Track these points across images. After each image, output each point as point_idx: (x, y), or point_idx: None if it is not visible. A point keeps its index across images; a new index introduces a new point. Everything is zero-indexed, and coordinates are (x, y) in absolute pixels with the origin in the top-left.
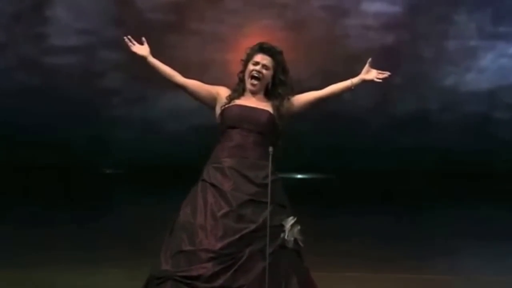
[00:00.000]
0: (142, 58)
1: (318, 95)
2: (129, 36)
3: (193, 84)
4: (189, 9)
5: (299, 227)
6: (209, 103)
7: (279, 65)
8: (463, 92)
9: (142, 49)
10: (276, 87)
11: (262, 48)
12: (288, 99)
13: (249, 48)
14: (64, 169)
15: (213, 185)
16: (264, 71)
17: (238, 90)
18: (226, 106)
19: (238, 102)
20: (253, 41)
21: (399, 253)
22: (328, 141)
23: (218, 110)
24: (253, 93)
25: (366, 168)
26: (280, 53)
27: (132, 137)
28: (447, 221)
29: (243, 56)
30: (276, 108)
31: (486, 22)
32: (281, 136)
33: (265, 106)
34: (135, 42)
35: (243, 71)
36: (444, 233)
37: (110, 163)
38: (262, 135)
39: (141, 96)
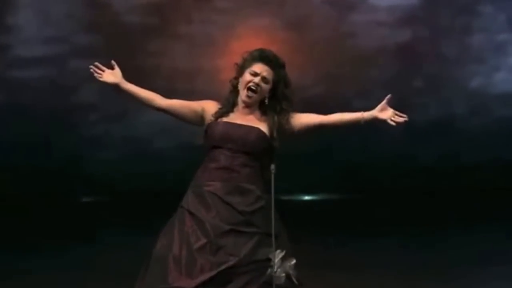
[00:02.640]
0: (115, 86)
1: (322, 121)
2: (95, 63)
3: (175, 105)
4: (173, 10)
5: (293, 261)
6: (196, 122)
7: (281, 80)
8: (493, 95)
9: (112, 76)
10: (278, 101)
11: (263, 57)
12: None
13: (247, 52)
14: (33, 199)
15: (191, 212)
16: (262, 84)
17: (227, 105)
18: (211, 122)
19: (225, 119)
20: (247, 43)
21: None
22: (337, 156)
23: (205, 127)
24: (247, 106)
25: (382, 185)
26: (283, 66)
27: (113, 158)
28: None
29: (239, 60)
30: (277, 124)
31: None
32: (274, 155)
33: (257, 122)
34: (104, 69)
35: (237, 78)
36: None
37: (88, 190)
38: (250, 155)
39: (121, 110)
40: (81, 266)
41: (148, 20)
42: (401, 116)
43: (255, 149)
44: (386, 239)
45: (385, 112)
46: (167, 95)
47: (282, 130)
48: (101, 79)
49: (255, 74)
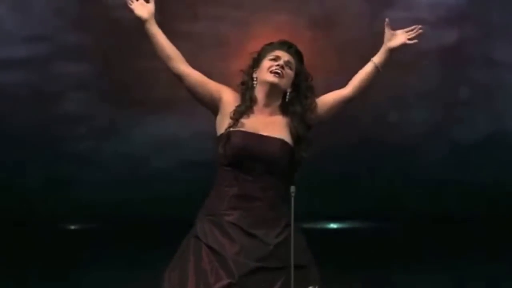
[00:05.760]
0: (140, 20)
1: (345, 95)
2: None
3: (194, 76)
4: (177, 4)
5: None
6: (206, 105)
7: (302, 70)
8: None
9: (144, 8)
10: (302, 94)
11: (282, 44)
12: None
13: (265, 46)
14: (5, 226)
15: (209, 246)
16: (287, 69)
17: (246, 102)
18: (226, 133)
19: (245, 121)
20: (264, 44)
21: None
22: (367, 178)
23: (219, 125)
24: (268, 103)
25: (421, 212)
26: (302, 57)
27: (103, 179)
28: None
29: (250, 59)
30: (302, 126)
31: None
32: (300, 163)
33: (279, 127)
34: None
35: (250, 73)
36: None
37: (74, 215)
38: (273, 176)
39: (113, 123)
40: None
41: None
42: (413, 31)
43: (279, 167)
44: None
45: (396, 38)
46: (167, 104)
47: (308, 125)
48: (130, 6)
49: (276, 58)
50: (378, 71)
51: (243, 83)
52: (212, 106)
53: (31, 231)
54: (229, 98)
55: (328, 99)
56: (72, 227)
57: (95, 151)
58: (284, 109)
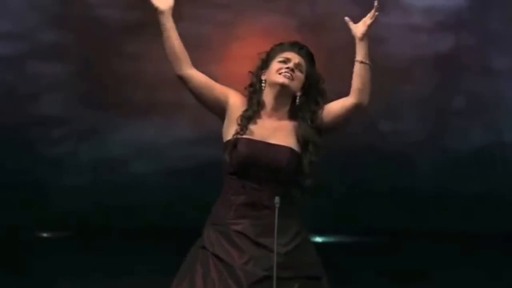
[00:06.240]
0: (156, 12)
1: (350, 102)
2: None
3: (200, 79)
4: None
5: None
6: (212, 109)
7: (313, 72)
8: None
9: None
10: (313, 99)
11: (293, 44)
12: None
13: (274, 46)
14: None
15: (217, 256)
16: (297, 72)
17: (253, 107)
18: (233, 140)
19: (252, 127)
20: (251, 47)
21: None
22: (357, 189)
23: (226, 130)
24: (276, 108)
25: (413, 228)
26: (313, 59)
27: (80, 184)
28: None
29: (258, 59)
30: (308, 127)
31: None
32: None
33: (288, 134)
34: None
35: (258, 75)
36: None
37: (47, 222)
38: (281, 183)
39: (91, 126)
40: None
41: (128, 15)
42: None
43: (286, 175)
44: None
45: (359, 27)
46: (149, 106)
47: (317, 130)
48: None
49: (286, 61)
50: (366, 64)
51: (251, 85)
52: (218, 110)
53: (0, 238)
54: (236, 102)
55: (334, 106)
56: (45, 234)
57: (71, 155)
58: (293, 114)
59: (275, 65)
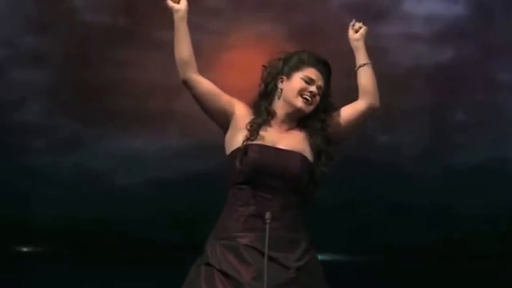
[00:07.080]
0: (172, 9)
1: (360, 106)
2: None
3: (206, 86)
4: (148, 10)
5: None
6: (215, 118)
7: (329, 87)
8: None
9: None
10: (322, 110)
11: (318, 61)
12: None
13: (297, 52)
14: None
15: (223, 273)
16: (317, 96)
17: (262, 115)
18: (248, 144)
19: (262, 133)
20: (243, 55)
21: None
22: (350, 201)
23: (230, 141)
24: (295, 115)
25: (408, 245)
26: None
27: (62, 196)
28: None
29: (274, 60)
30: (318, 136)
31: None
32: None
33: (298, 140)
34: None
35: (275, 79)
36: None
37: (27, 236)
38: (293, 193)
39: (75, 136)
40: None
41: (115, 21)
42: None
43: (300, 184)
44: None
45: (355, 35)
46: (137, 117)
47: (328, 139)
48: None
49: (310, 82)
50: (368, 64)
51: (265, 84)
52: (222, 119)
53: None
54: (242, 112)
55: (344, 112)
56: (25, 249)
57: (54, 166)
58: (302, 124)
59: (297, 82)
